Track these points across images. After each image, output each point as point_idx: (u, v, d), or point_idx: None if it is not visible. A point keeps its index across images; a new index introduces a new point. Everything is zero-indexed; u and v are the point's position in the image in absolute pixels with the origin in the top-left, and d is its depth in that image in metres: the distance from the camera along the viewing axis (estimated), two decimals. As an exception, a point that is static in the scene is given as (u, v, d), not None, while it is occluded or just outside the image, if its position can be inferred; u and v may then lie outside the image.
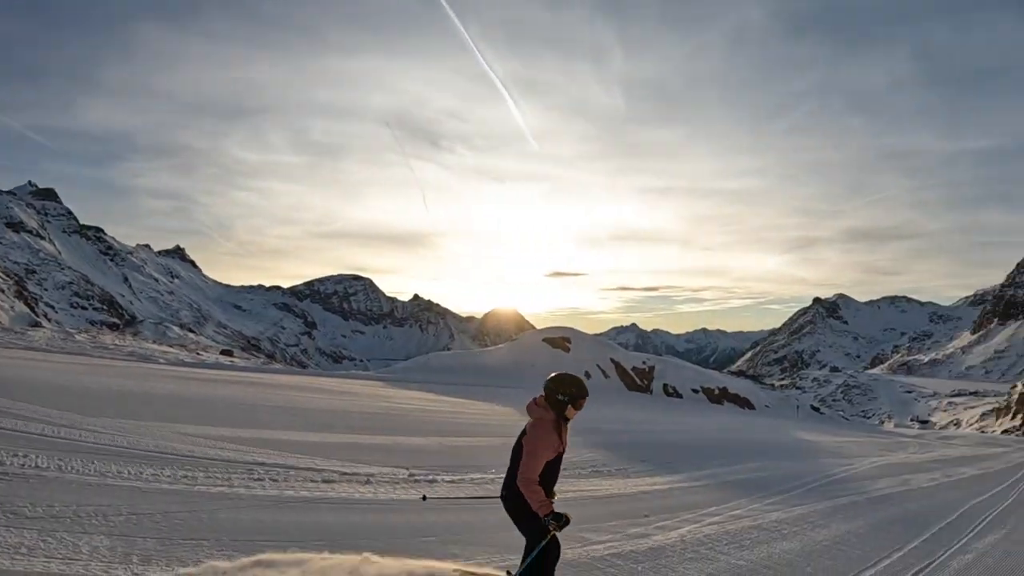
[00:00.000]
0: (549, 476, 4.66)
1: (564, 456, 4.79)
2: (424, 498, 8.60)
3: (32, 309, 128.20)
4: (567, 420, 4.74)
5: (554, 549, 4.64)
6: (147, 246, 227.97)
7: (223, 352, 73.25)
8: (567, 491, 10.37)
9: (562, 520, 4.44)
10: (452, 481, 9.91)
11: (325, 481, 8.80)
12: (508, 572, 5.25)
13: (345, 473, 9.41)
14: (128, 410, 12.30)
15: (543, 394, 4.77)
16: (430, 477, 9.94)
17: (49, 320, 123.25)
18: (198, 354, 59.41)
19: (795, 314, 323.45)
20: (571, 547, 6.95)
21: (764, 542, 6.39)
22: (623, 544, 7.22)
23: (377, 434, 13.64)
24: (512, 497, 4.65)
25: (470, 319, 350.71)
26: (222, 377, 20.33)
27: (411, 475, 9.86)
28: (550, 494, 4.65)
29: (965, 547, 8.98)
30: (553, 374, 4.88)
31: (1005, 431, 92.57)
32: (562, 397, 4.71)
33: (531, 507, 4.50)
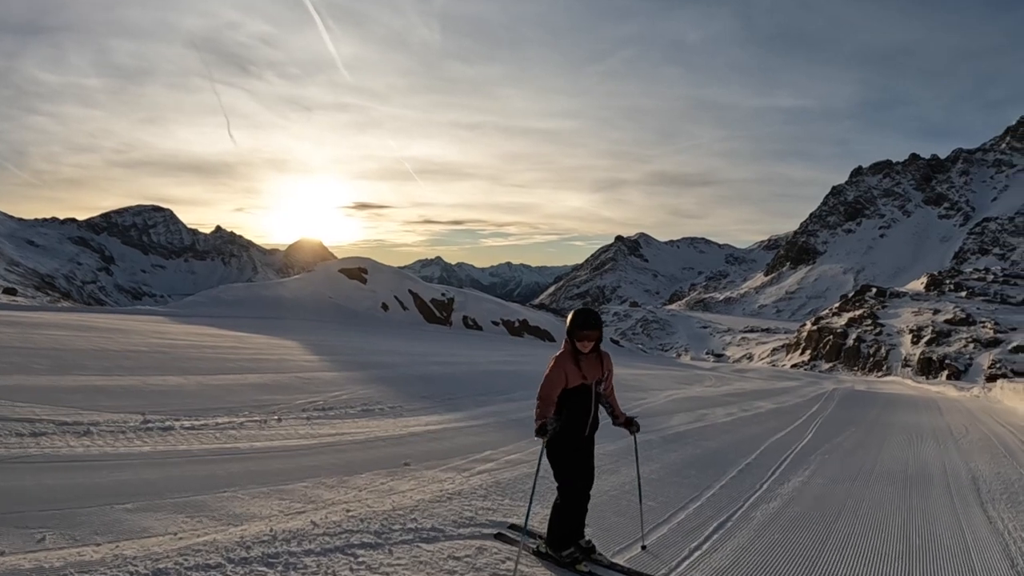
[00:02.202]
0: (578, 402, 5.13)
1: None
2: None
3: None
4: (582, 352, 5.10)
5: (557, 448, 5.15)
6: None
7: (5, 291, 65.99)
8: (326, 434, 9.41)
9: (542, 430, 4.92)
10: (191, 428, 8.56)
11: (33, 435, 7.28)
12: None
13: (64, 423, 7.88)
14: None
15: None
16: (167, 423, 8.53)
17: None
18: (-23, 295, 53.38)
19: (598, 251, 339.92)
20: (301, 511, 6.00)
21: (539, 495, 5.52)
22: (363, 504, 6.27)
23: (128, 375, 11.72)
24: None
25: (274, 251, 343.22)
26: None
27: (145, 421, 8.49)
28: (584, 417, 5.16)
29: (769, 493, 8.30)
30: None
31: (794, 365, 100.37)
32: (568, 333, 5.14)
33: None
